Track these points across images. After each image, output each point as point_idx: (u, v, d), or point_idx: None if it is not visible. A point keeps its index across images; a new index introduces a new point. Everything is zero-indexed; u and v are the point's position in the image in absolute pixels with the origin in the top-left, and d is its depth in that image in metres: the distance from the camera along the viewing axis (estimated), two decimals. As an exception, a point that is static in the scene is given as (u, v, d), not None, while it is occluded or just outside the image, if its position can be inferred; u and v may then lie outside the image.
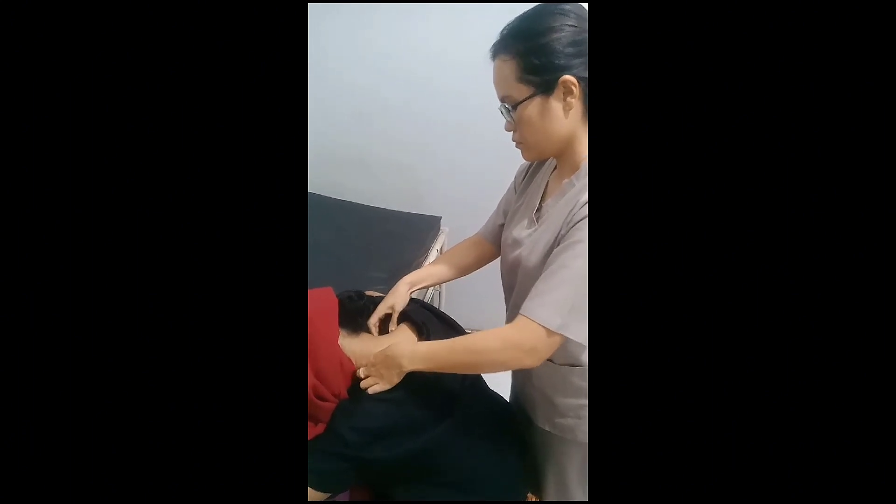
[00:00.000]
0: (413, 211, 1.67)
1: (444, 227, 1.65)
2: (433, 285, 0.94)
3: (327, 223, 1.54)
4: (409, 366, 0.67)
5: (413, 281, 0.87)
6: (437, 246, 1.55)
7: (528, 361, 0.63)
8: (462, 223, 1.45)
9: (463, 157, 1.68)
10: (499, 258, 0.89)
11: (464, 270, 0.93)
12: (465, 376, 0.77)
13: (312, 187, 1.76)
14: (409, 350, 0.69)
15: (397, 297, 0.83)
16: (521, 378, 0.85)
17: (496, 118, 0.69)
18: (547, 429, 0.81)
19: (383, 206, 1.68)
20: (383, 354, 0.70)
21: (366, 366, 0.71)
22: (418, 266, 1.32)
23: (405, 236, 1.51)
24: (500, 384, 0.94)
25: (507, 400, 0.98)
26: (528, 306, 0.62)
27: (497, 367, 0.66)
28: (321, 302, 0.76)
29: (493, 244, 0.90)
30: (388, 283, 1.04)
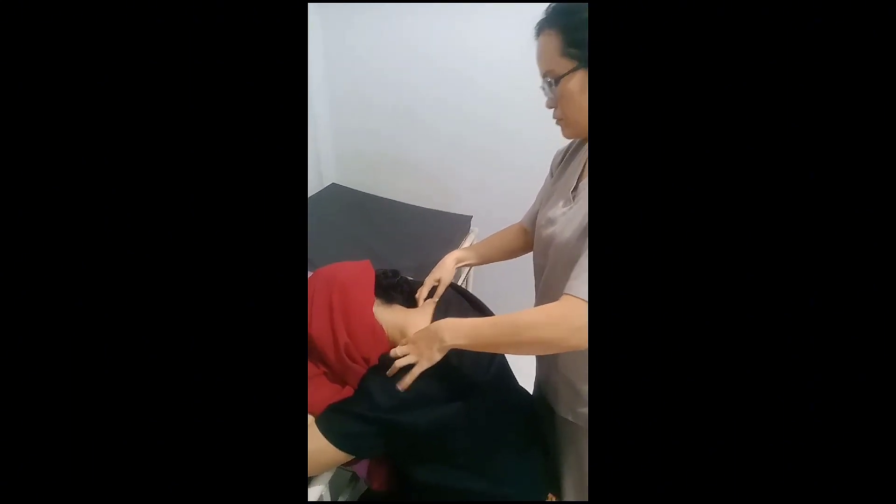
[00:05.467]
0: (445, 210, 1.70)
1: (474, 228, 1.67)
2: (479, 264, 0.96)
3: (363, 218, 1.58)
4: (451, 341, 0.66)
5: (460, 257, 0.90)
6: (466, 243, 1.57)
7: (575, 341, 0.60)
8: (491, 225, 1.47)
9: (492, 171, 1.72)
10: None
11: (508, 254, 0.96)
12: (490, 363, 0.77)
13: (350, 184, 1.82)
14: (451, 325, 0.67)
15: (444, 271, 0.86)
16: (546, 366, 0.85)
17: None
18: (569, 419, 0.81)
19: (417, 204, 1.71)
20: (425, 331, 0.69)
21: (403, 345, 0.70)
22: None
23: (437, 232, 1.53)
24: (525, 377, 0.94)
25: (531, 394, 0.97)
26: (574, 284, 0.61)
27: (542, 345, 0.64)
28: (357, 270, 0.78)
29: (533, 232, 0.91)
30: (418, 273, 1.07)
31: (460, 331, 0.66)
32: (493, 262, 0.96)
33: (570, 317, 0.60)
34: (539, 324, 0.62)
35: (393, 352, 0.70)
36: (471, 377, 0.73)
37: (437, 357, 0.67)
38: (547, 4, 0.66)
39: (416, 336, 0.70)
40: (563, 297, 0.62)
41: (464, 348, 0.67)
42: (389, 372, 0.68)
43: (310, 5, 1.57)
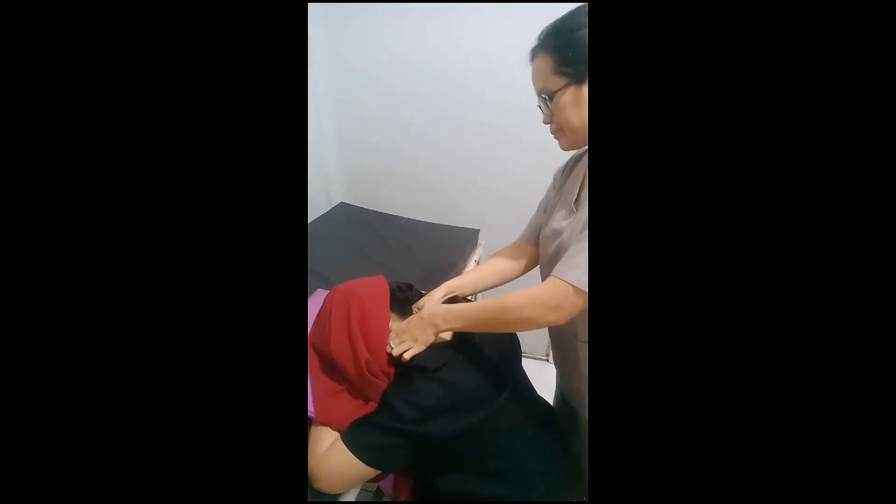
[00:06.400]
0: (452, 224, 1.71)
1: (482, 241, 1.68)
2: (472, 293, 0.94)
3: (373, 234, 1.60)
4: (444, 325, 0.73)
5: (450, 287, 0.89)
6: (475, 257, 1.58)
7: (553, 317, 0.67)
8: (498, 239, 1.48)
9: (503, 176, 1.74)
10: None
11: (505, 276, 0.94)
12: (512, 361, 0.80)
13: (359, 200, 1.85)
14: (443, 309, 0.74)
15: (429, 301, 0.85)
16: (568, 371, 0.86)
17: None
18: (594, 421, 0.81)
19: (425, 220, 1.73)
20: (417, 317, 0.75)
21: (395, 333, 0.74)
22: (457, 274, 1.35)
23: (446, 246, 1.55)
24: (546, 384, 0.94)
25: (552, 403, 0.97)
26: (559, 268, 0.67)
27: (525, 323, 0.70)
28: (373, 285, 0.79)
29: (535, 246, 0.92)
30: (428, 287, 1.07)
31: (451, 314, 0.74)
32: (491, 287, 0.94)
33: (549, 297, 0.66)
34: (521, 304, 0.69)
35: (389, 346, 0.74)
36: (496, 369, 0.75)
37: (432, 339, 0.74)
38: (540, 30, 0.71)
39: (409, 325, 0.75)
40: (548, 279, 0.68)
41: (456, 330, 0.74)
42: (393, 352, 0.73)
43: (315, 20, 1.61)
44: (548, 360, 1.96)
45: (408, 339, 0.73)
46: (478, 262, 1.60)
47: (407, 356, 0.71)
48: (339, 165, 1.91)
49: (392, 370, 0.73)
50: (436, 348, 0.74)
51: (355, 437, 0.67)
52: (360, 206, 1.81)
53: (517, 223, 1.03)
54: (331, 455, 0.66)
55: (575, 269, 0.65)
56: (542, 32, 0.71)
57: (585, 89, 0.68)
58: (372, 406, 0.72)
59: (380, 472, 0.68)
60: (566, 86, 0.68)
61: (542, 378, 1.00)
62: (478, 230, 1.68)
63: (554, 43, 0.69)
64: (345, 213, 1.78)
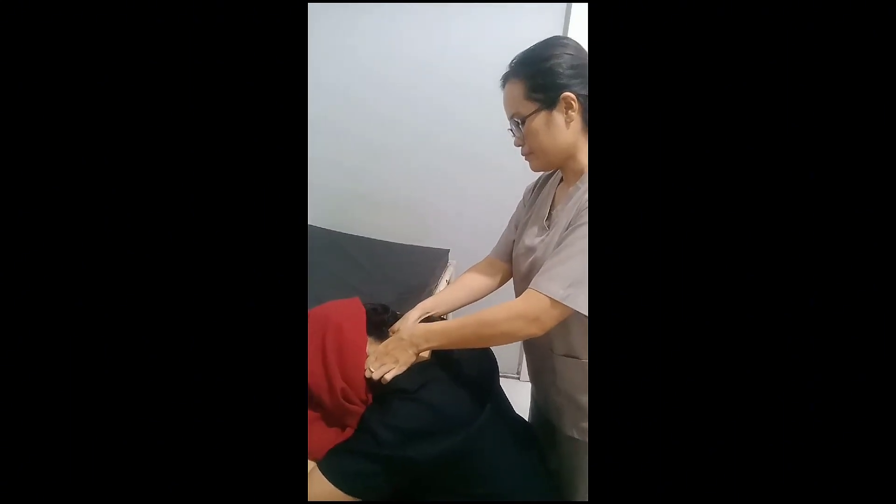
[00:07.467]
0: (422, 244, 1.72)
1: (452, 260, 1.69)
2: (448, 312, 0.94)
3: (340, 256, 1.58)
4: (426, 344, 0.72)
5: (426, 308, 0.89)
6: (445, 277, 1.58)
7: (532, 330, 0.68)
8: (468, 259, 1.49)
9: (470, 196, 1.76)
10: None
11: (479, 293, 0.94)
12: (492, 377, 0.80)
13: (330, 225, 1.82)
14: (423, 329, 0.74)
15: (405, 323, 0.85)
16: (545, 385, 0.86)
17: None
18: (575, 436, 0.81)
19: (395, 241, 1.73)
20: (397, 338, 0.74)
21: (374, 356, 0.72)
22: (430, 294, 1.34)
23: (417, 266, 1.55)
24: (518, 402, 0.94)
25: (527, 420, 0.97)
26: (536, 280, 0.68)
27: (505, 337, 0.71)
28: (349, 310, 0.78)
29: (507, 262, 0.93)
30: (401, 309, 1.07)
31: (432, 333, 0.73)
32: (466, 304, 0.94)
33: (528, 310, 0.67)
34: (500, 318, 0.70)
35: (368, 371, 0.71)
36: (475, 391, 0.74)
37: (413, 360, 0.73)
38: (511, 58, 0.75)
39: (389, 346, 0.74)
40: (526, 292, 0.69)
41: (437, 348, 0.74)
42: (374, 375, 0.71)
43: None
44: (518, 378, 1.96)
45: (388, 361, 0.72)
46: (449, 282, 1.60)
47: (388, 377, 0.70)
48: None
49: (369, 395, 0.71)
50: (415, 369, 0.73)
51: (333, 466, 0.65)
52: (326, 228, 1.79)
53: (486, 242, 1.05)
54: (308, 486, 0.64)
55: (552, 282, 0.66)
56: (513, 60, 0.75)
57: (555, 114, 0.71)
58: (349, 432, 0.70)
59: (360, 500, 0.66)
60: (537, 111, 0.72)
61: (515, 396, 1.00)
62: (447, 250, 1.69)
63: (525, 70, 0.72)
64: (312, 236, 1.75)
